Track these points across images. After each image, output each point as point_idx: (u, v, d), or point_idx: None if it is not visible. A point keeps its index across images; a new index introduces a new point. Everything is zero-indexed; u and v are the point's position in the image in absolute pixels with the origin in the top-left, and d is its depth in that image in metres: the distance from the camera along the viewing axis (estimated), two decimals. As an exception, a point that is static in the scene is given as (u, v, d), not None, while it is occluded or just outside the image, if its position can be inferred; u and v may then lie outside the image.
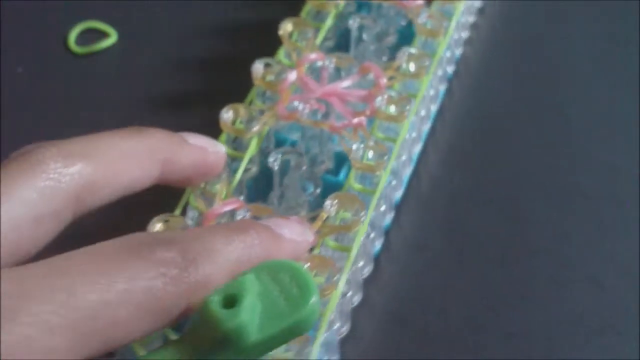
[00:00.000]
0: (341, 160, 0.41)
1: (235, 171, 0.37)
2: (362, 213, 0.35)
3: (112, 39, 0.52)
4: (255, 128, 0.38)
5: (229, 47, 0.51)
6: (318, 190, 0.39)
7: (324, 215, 0.34)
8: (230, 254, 0.24)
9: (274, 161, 0.38)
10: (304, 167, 0.38)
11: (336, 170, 0.41)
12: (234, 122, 0.38)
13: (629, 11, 0.54)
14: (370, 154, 0.37)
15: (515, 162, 0.47)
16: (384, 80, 0.40)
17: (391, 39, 0.46)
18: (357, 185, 0.38)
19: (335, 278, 0.32)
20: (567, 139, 0.48)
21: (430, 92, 0.45)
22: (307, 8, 0.45)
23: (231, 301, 0.23)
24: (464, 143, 0.48)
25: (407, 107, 0.39)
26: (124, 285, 0.21)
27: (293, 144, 0.41)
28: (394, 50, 0.44)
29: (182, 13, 0.53)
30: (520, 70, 0.51)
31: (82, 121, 0.47)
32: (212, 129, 0.38)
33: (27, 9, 0.53)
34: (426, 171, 0.45)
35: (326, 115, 0.40)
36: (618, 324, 0.40)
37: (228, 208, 0.35)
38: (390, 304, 0.40)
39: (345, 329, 0.37)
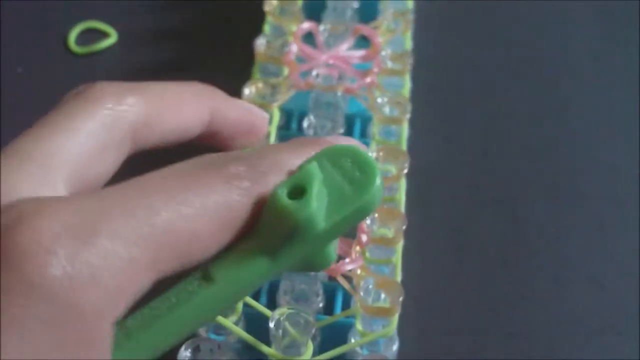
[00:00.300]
0: (350, 121, 0.42)
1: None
2: (405, 164, 0.37)
3: (112, 39, 0.52)
4: (278, 99, 0.40)
5: (227, 42, 0.51)
6: None
7: None
8: (295, 167, 0.24)
9: (308, 127, 0.40)
10: (340, 130, 0.40)
11: (348, 132, 0.42)
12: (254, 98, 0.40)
13: (629, 11, 0.54)
14: (388, 108, 0.40)
15: (515, 162, 0.47)
16: (379, 39, 0.42)
17: (355, 3, 0.47)
18: (381, 139, 0.39)
19: (403, 227, 0.35)
20: (567, 139, 0.48)
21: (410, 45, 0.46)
22: None
23: (298, 192, 0.23)
24: (463, 144, 0.48)
25: (409, 61, 0.42)
26: (200, 198, 0.22)
27: (302, 114, 0.42)
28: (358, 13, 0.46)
29: (180, 13, 0.53)
30: (520, 70, 0.51)
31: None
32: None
33: (27, 9, 0.53)
34: (425, 171, 0.45)
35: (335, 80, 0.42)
36: (618, 324, 0.40)
37: None
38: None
39: None
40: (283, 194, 0.23)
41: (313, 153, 0.25)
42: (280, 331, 0.31)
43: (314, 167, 0.23)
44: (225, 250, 0.23)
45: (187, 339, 0.32)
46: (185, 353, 0.32)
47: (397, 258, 0.36)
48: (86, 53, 0.51)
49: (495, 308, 0.41)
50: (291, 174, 0.24)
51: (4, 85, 0.48)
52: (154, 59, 0.51)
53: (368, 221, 0.35)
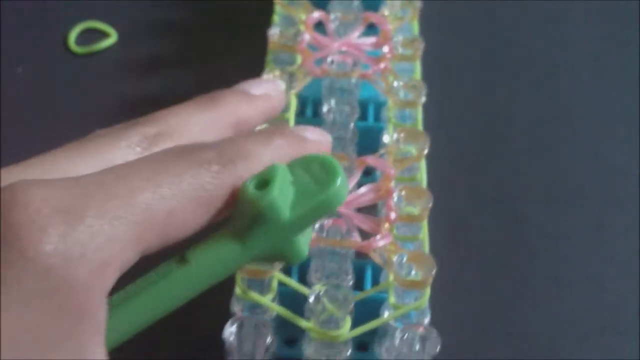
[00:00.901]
0: (363, 106, 0.43)
1: None
2: (425, 144, 0.38)
3: (112, 39, 0.52)
4: (295, 87, 0.40)
5: (226, 42, 0.51)
6: (356, 138, 0.41)
7: (392, 149, 0.38)
8: (262, 155, 0.27)
9: (328, 112, 0.40)
10: (356, 115, 0.40)
11: (362, 116, 0.42)
12: None
13: (629, 11, 0.54)
14: (403, 92, 0.41)
15: (516, 162, 0.47)
16: (389, 26, 0.43)
17: None
18: (397, 123, 0.40)
19: (429, 205, 0.37)
20: (568, 139, 0.48)
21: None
22: None
23: (264, 184, 0.26)
24: (464, 144, 0.48)
25: (420, 46, 0.43)
26: (175, 181, 0.25)
27: (315, 100, 0.42)
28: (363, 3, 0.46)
29: (180, 13, 0.53)
30: (520, 70, 0.51)
31: (82, 121, 0.47)
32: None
33: (27, 9, 0.53)
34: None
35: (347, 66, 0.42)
36: (618, 324, 0.40)
37: None
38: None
39: None
40: (250, 186, 0.26)
41: (276, 143, 0.28)
42: (320, 306, 0.32)
43: (282, 166, 0.26)
44: (205, 237, 0.26)
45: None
46: (230, 329, 0.33)
47: (424, 234, 0.37)
48: (86, 53, 0.51)
49: (495, 308, 0.41)
50: (256, 162, 0.26)
51: (4, 85, 0.48)
52: (154, 59, 0.51)
53: (395, 199, 0.36)
